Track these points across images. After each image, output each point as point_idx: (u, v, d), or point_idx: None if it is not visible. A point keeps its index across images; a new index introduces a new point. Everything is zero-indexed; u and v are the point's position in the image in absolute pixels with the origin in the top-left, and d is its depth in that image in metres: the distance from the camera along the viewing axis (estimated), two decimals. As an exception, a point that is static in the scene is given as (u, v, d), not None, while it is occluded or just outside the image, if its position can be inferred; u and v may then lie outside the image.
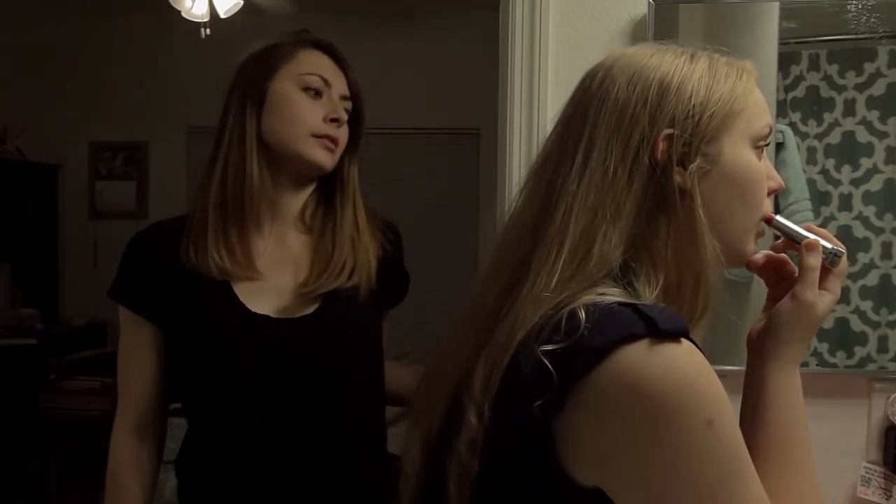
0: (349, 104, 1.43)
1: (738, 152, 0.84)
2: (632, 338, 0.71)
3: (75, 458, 4.39)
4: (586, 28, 1.66)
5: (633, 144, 0.81)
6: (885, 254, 1.67)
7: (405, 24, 4.97)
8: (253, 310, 1.35)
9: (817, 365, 1.69)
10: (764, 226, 0.88)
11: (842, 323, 1.69)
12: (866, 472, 1.66)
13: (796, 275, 0.90)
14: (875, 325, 1.68)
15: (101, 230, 5.79)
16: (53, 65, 5.66)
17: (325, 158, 1.38)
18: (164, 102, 5.67)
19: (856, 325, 1.69)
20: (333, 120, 1.38)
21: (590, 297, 0.76)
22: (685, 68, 0.83)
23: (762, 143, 0.86)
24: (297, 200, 1.43)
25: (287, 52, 1.40)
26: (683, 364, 0.71)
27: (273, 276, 1.38)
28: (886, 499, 1.64)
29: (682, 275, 0.86)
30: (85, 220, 5.81)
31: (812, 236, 0.89)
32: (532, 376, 0.73)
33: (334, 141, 1.38)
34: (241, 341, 1.34)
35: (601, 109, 0.82)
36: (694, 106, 0.81)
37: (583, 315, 0.73)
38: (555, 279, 0.78)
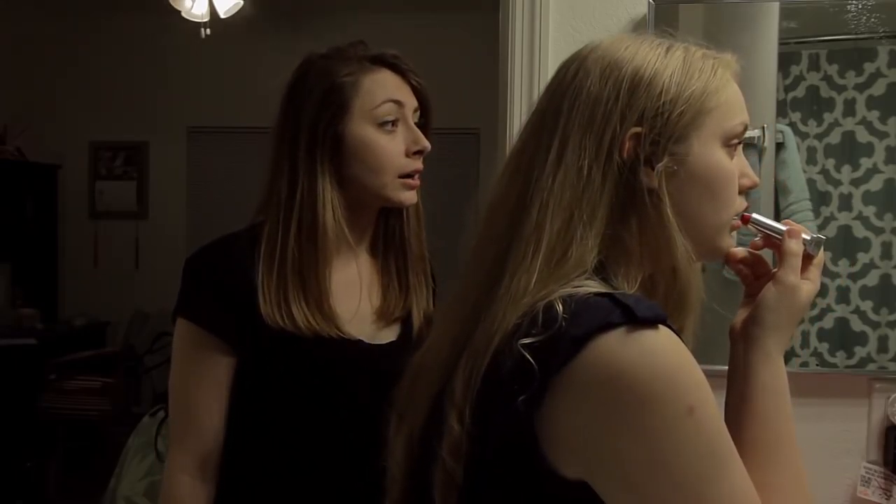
0: (418, 114, 1.35)
1: (708, 152, 0.82)
2: (609, 326, 0.70)
3: (75, 458, 4.40)
4: (586, 28, 1.66)
5: (605, 143, 0.79)
6: (885, 254, 1.67)
7: (405, 24, 4.96)
8: (353, 335, 1.29)
9: (817, 365, 1.69)
10: (740, 224, 0.88)
11: (842, 323, 1.69)
12: (866, 472, 1.66)
13: (774, 269, 0.89)
14: (875, 325, 1.68)
15: (101, 230, 5.79)
16: (54, 65, 5.66)
17: (411, 197, 1.33)
18: (164, 102, 5.67)
19: (856, 325, 1.68)
20: (416, 152, 1.32)
21: (566, 290, 0.75)
22: (658, 63, 0.81)
23: (735, 141, 0.84)
24: (368, 228, 1.38)
25: (351, 86, 1.27)
26: (661, 351, 0.70)
27: (347, 300, 1.32)
28: (886, 499, 1.64)
29: (657, 272, 0.86)
30: (85, 220, 5.82)
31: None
32: (513, 371, 0.72)
33: (419, 173, 1.33)
34: (345, 366, 1.28)
35: (574, 104, 0.81)
36: (664, 103, 0.80)
37: (560, 307, 0.73)
38: (532, 280, 0.77)
